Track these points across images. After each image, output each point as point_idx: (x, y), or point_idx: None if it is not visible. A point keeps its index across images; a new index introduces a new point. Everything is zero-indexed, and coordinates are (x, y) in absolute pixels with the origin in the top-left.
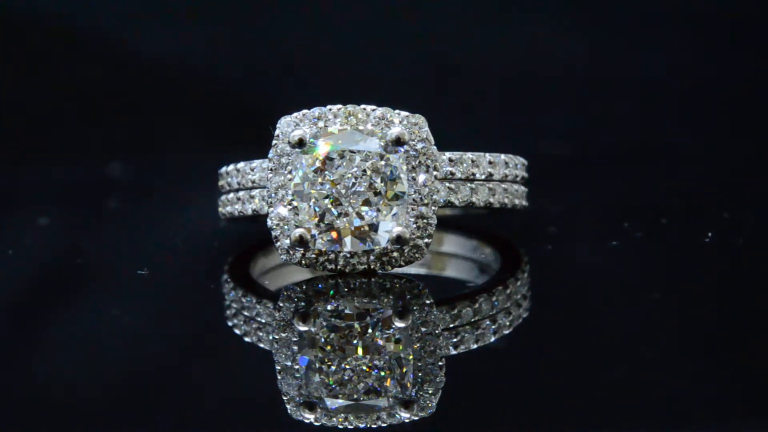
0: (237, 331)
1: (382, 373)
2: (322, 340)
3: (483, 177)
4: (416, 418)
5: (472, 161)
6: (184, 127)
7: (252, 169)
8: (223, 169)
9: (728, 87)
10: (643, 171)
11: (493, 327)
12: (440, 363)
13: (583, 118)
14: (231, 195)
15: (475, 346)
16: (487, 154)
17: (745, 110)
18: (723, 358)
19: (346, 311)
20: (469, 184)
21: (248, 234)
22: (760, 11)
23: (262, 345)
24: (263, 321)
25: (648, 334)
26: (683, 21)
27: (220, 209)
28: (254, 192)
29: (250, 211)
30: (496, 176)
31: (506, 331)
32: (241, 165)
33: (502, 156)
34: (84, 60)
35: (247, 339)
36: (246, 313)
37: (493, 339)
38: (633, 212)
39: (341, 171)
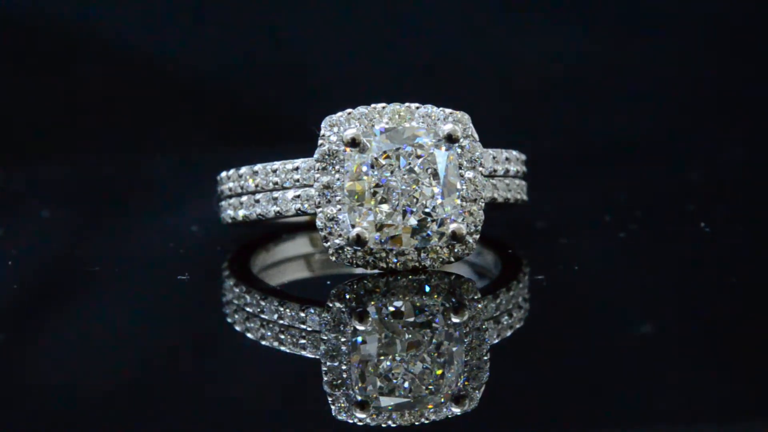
0: (250, 335)
1: (436, 370)
2: (377, 338)
3: (502, 173)
4: (460, 413)
5: (493, 158)
6: (181, 127)
7: (273, 171)
8: (231, 172)
9: (727, 86)
10: (640, 169)
11: (509, 321)
12: (485, 357)
13: (578, 115)
14: (245, 198)
15: (497, 341)
16: (503, 151)
17: (745, 109)
18: (724, 357)
19: (401, 308)
20: (491, 180)
21: (246, 235)
22: (761, 11)
23: (284, 348)
24: (285, 324)
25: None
26: (682, 21)
27: (229, 212)
28: (276, 194)
29: (272, 213)
30: (511, 172)
31: (518, 326)
32: (258, 167)
33: (514, 152)
34: (84, 60)
35: (264, 343)
36: (265, 317)
37: (509, 333)
38: (627, 210)
39: (393, 168)
